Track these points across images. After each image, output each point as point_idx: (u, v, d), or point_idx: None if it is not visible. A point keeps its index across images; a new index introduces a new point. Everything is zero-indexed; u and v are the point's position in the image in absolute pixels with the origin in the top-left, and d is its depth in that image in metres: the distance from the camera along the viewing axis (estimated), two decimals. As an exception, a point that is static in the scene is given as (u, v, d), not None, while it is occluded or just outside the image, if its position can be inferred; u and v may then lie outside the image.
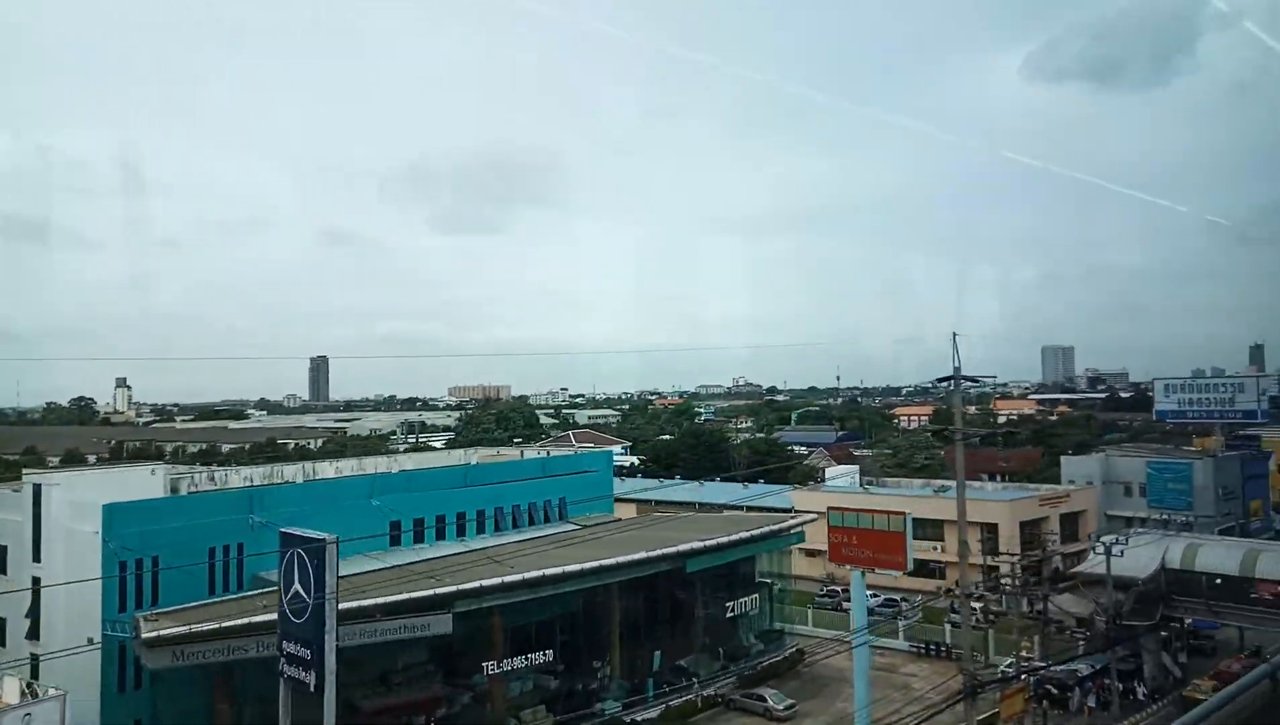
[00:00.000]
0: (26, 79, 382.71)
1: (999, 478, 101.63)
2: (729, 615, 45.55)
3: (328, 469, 56.80)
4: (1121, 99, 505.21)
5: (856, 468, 78.97)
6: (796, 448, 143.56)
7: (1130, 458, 70.30)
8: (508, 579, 34.29)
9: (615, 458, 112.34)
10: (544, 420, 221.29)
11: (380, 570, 35.46)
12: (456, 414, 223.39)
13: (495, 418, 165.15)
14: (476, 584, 33.82)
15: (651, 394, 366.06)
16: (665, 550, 39.88)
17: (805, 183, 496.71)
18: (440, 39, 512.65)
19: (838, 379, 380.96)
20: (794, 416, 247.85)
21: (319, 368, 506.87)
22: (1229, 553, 40.54)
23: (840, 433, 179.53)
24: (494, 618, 36.65)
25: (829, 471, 75.95)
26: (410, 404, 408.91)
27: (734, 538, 42.81)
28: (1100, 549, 41.62)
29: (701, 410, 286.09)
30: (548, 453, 61.32)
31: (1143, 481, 67.87)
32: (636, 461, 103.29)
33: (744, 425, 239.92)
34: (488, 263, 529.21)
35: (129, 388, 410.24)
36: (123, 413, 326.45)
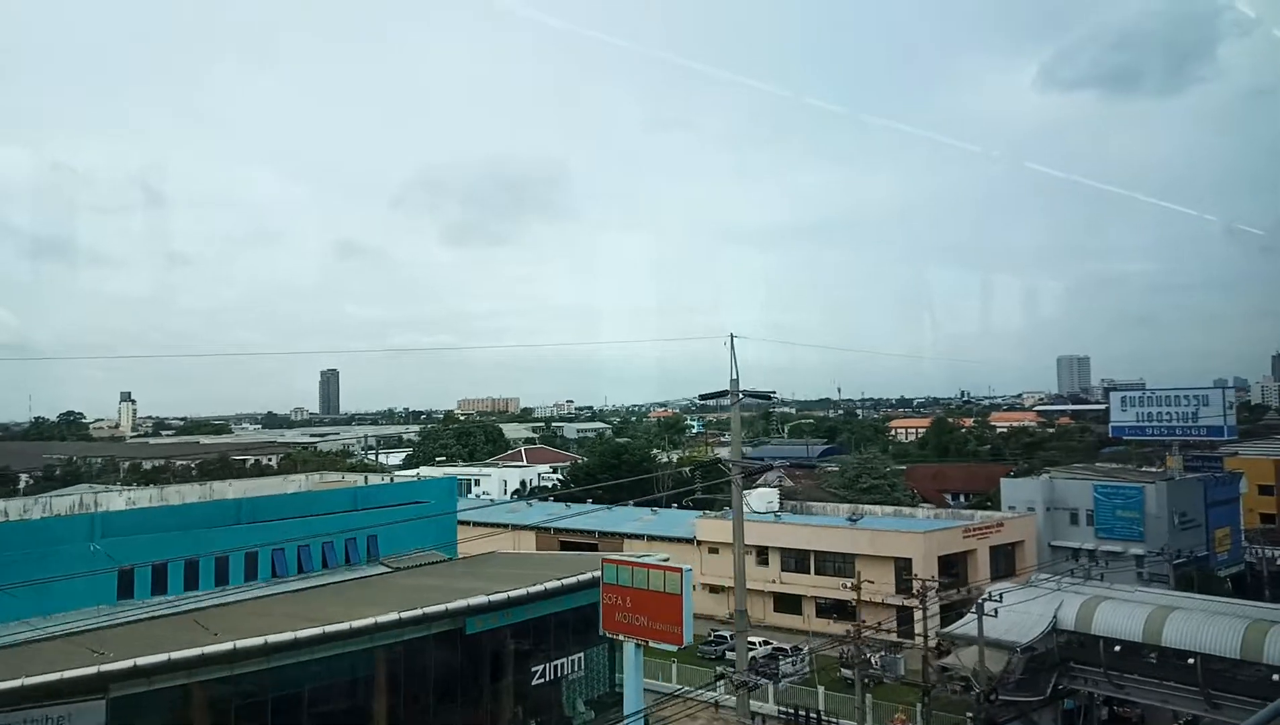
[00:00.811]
0: (37, 91, 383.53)
1: (962, 498, 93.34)
2: (548, 680, 37.92)
3: (190, 493, 50.09)
4: (1138, 106, 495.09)
5: (776, 491, 70.95)
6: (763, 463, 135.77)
7: (1077, 480, 61.99)
8: (175, 655, 26.88)
9: (543, 478, 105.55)
10: (526, 434, 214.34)
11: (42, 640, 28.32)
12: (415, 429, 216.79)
13: (455, 434, 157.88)
14: (130, 663, 26.40)
15: (660, 405, 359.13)
16: (430, 609, 32.37)
17: (816, 193, 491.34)
18: (448, 52, 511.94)
19: (838, 391, 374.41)
20: (787, 429, 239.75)
21: (329, 381, 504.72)
22: (1132, 612, 32.47)
23: (828, 447, 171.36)
24: (194, 698, 29.26)
25: (746, 496, 67.93)
26: (415, 417, 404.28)
27: (524, 593, 35.08)
28: (988, 606, 33.69)
29: (694, 423, 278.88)
30: (364, 481, 53.93)
31: (1090, 508, 59.55)
32: (558, 482, 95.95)
33: (723, 440, 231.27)
34: (498, 274, 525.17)
35: (134, 402, 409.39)
36: (120, 428, 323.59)
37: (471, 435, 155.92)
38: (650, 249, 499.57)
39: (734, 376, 24.15)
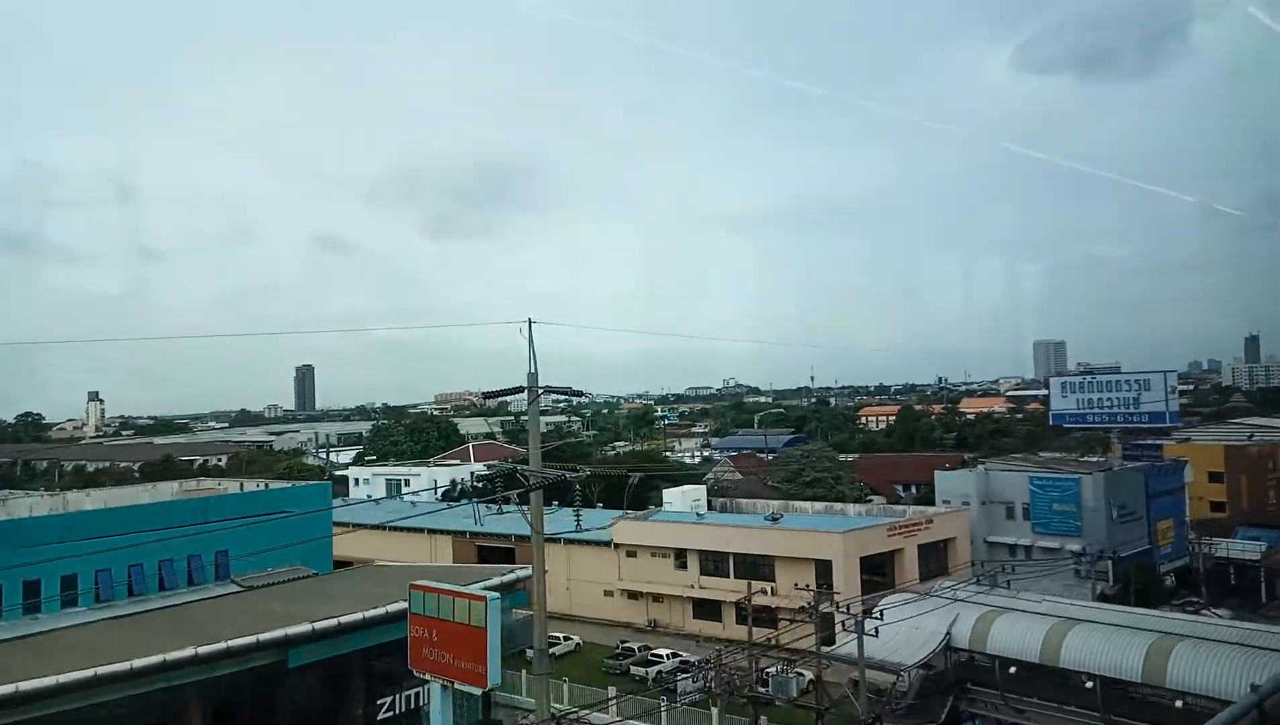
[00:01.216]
0: (7, 85, 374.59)
1: (913, 490, 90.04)
2: (399, 712, 34.11)
3: (42, 505, 46.29)
4: (1114, 88, 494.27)
5: (703, 488, 67.28)
6: (719, 455, 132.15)
7: (1013, 472, 58.66)
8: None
9: (476, 477, 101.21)
10: (486, 429, 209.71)
11: None
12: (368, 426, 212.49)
13: (407, 429, 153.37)
14: None
15: (640, 397, 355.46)
16: (238, 642, 28.41)
17: (796, 177, 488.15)
18: (424, 45, 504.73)
19: (811, 379, 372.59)
20: (757, 419, 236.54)
21: (305, 376, 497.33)
22: (1031, 628, 28.95)
23: (794, 436, 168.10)
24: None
25: (667, 494, 64.21)
26: (390, 412, 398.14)
27: (359, 617, 31.17)
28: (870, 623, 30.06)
29: (665, 414, 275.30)
30: (240, 487, 49.89)
31: (1027, 501, 56.27)
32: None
33: (701, 429, 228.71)
34: (479, 266, 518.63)
35: (101, 402, 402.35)
36: (84, 429, 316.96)
37: (424, 431, 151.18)
38: (631, 237, 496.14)
39: (531, 370, 20.35)
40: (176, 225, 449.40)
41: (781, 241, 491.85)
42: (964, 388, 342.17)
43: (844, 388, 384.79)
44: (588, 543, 59.87)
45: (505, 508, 28.23)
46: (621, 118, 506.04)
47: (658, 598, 57.01)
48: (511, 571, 39.15)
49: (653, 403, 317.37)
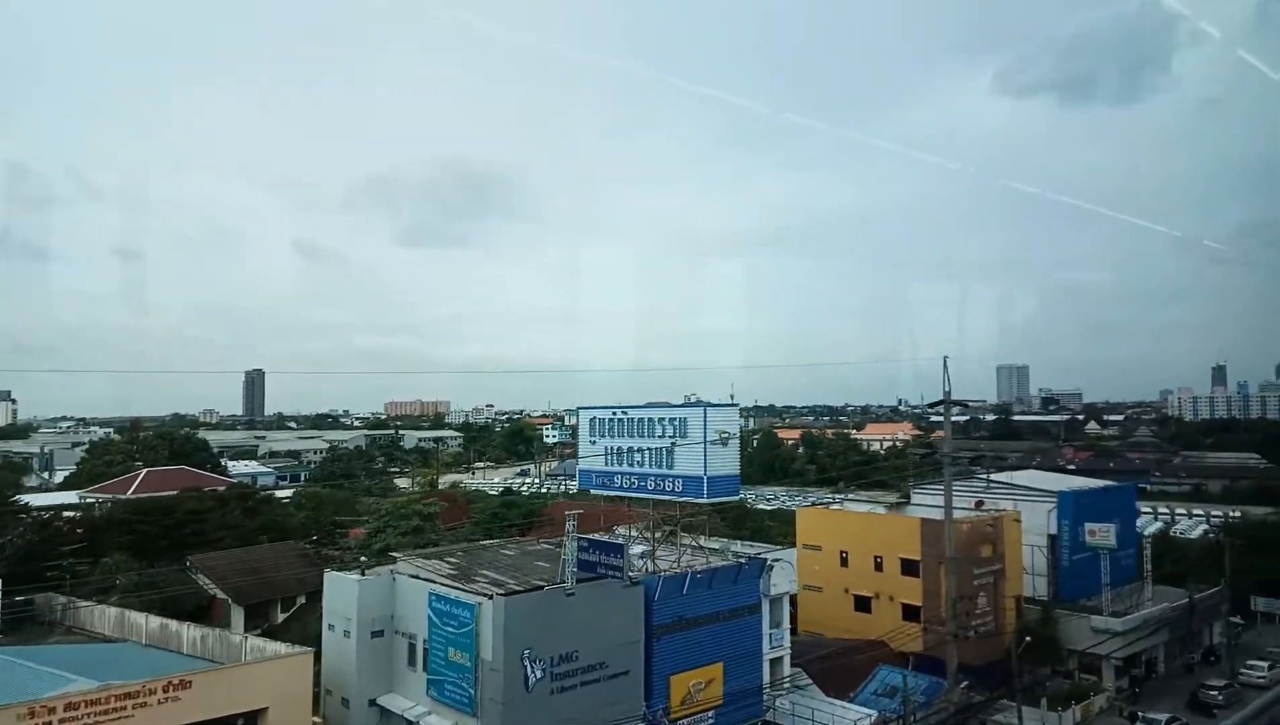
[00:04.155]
0: None
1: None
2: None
3: None
4: (1093, 115, 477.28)
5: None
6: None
7: (423, 579, 33.41)
8: None
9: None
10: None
11: None
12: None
13: (139, 445, 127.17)
14: None
15: (545, 413, 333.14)
16: None
17: (775, 202, 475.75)
18: (405, 58, 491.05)
19: (731, 397, 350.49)
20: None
21: (254, 382, 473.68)
22: None
23: None
24: None
25: None
26: (322, 420, 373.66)
27: None
28: None
29: (554, 432, 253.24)
30: None
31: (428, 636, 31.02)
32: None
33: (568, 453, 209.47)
34: (455, 277, 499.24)
35: (14, 402, 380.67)
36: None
37: (153, 448, 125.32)
38: (611, 254, 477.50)
39: None
40: (149, 228, 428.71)
41: (759, 263, 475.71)
42: (909, 410, 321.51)
43: (808, 407, 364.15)
44: None
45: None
46: (603, 139, 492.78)
47: None
48: None
49: (557, 419, 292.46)
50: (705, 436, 32.20)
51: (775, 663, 37.29)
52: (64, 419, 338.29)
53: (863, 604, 48.07)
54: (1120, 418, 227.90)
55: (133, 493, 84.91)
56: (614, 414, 36.29)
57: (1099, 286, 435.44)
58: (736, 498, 37.84)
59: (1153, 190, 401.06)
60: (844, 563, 48.97)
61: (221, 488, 78.18)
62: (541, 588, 29.82)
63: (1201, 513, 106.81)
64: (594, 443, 37.22)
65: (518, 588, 30.07)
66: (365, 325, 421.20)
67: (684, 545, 35.89)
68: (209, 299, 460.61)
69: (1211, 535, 78.38)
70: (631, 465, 35.46)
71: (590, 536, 33.30)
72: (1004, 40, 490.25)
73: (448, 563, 34.62)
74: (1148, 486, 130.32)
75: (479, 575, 32.48)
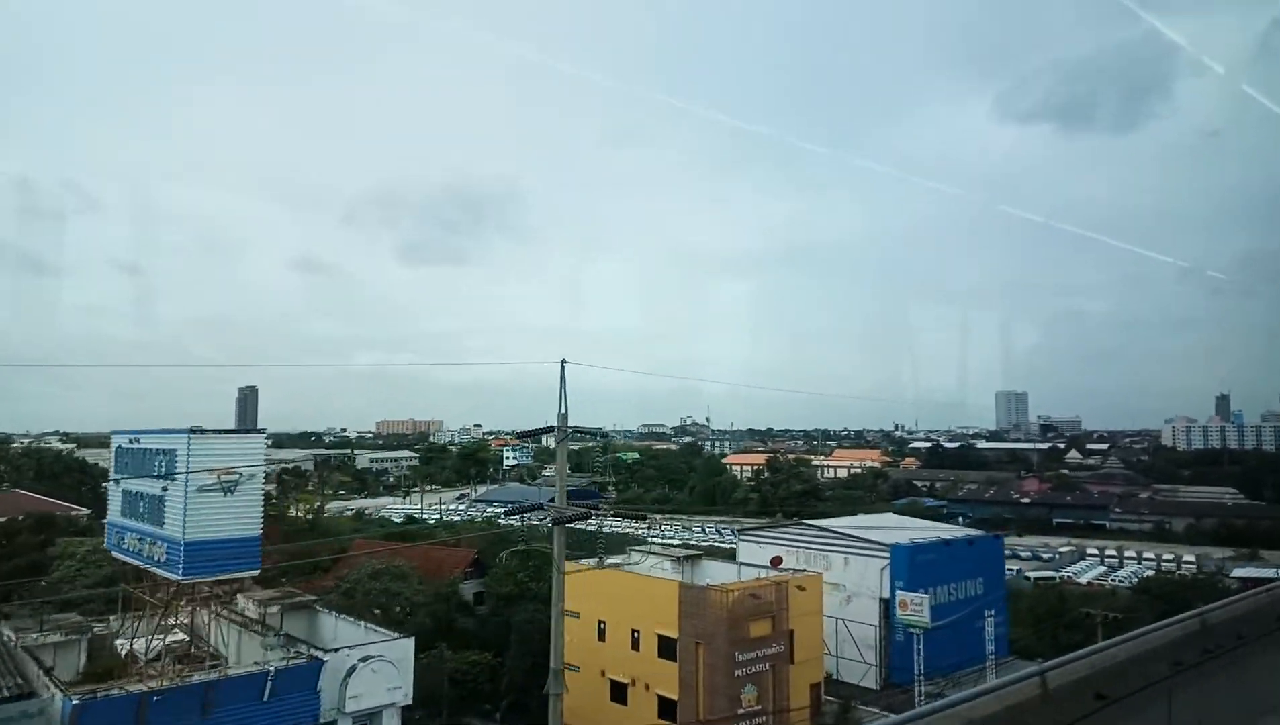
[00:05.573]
0: None
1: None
2: None
3: None
4: (1094, 142, 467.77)
5: None
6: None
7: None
8: None
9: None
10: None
11: None
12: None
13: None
14: None
15: (498, 434, 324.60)
16: None
17: (774, 223, 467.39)
18: (406, 73, 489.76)
19: (707, 420, 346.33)
20: (605, 463, 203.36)
21: (247, 398, 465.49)
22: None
23: (587, 488, 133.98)
24: None
25: None
26: (305, 438, 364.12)
27: None
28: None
29: (511, 454, 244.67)
30: None
31: None
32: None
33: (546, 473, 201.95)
34: (455, 294, 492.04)
35: None
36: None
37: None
38: (612, 273, 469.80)
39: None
40: (147, 240, 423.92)
41: (758, 284, 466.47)
42: (904, 436, 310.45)
43: (802, 431, 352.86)
44: None
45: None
46: (601, 157, 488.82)
47: None
48: None
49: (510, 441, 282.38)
50: (187, 481, 22.08)
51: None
52: (53, 433, 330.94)
53: (619, 692, 37.45)
54: (1105, 447, 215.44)
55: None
56: (130, 442, 26.34)
57: (1100, 314, 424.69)
58: (252, 572, 26.83)
59: (1152, 219, 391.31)
60: (601, 636, 38.41)
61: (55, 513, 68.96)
62: None
63: (1152, 556, 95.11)
64: (117, 483, 27.35)
65: None
66: (364, 340, 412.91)
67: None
68: (206, 311, 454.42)
69: (1139, 589, 67.32)
70: (139, 518, 25.49)
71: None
72: (1004, 67, 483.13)
73: None
74: (1106, 523, 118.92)
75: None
